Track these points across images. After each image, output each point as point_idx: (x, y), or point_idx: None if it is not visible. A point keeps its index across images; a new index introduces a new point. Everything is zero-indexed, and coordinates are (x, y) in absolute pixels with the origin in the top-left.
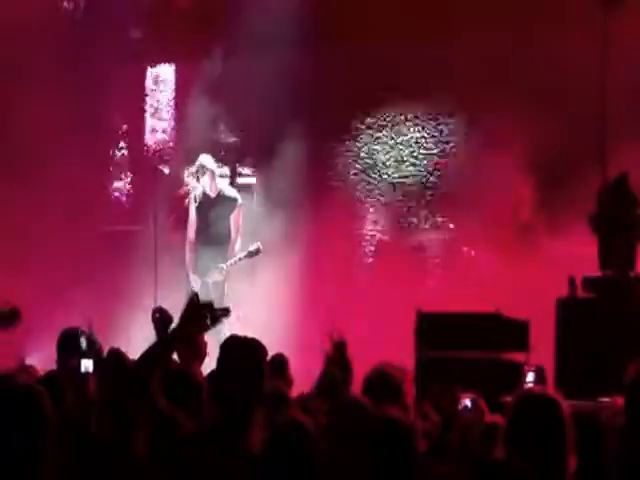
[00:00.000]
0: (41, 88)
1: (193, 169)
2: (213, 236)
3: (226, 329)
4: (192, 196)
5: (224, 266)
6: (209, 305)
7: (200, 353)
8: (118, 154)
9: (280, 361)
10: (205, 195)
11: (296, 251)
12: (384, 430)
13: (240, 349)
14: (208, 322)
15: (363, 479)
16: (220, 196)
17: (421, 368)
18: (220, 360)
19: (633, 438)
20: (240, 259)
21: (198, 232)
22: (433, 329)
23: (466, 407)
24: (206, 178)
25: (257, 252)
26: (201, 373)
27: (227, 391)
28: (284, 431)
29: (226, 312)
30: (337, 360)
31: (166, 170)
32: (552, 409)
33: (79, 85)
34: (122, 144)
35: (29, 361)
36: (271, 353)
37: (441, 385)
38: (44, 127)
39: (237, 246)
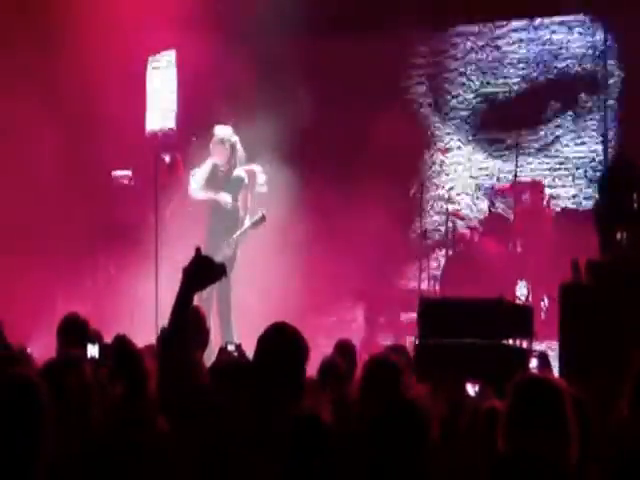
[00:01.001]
0: (39, 80)
1: (216, 140)
2: (223, 216)
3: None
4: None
5: (232, 240)
6: (209, 260)
7: (203, 341)
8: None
9: None
10: (213, 175)
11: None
12: (401, 413)
13: (284, 337)
14: (209, 280)
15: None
16: (228, 178)
17: (423, 355)
18: (260, 349)
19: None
20: (245, 230)
21: (208, 212)
22: (435, 315)
23: (471, 394)
24: (227, 150)
25: (261, 220)
26: (204, 364)
27: (265, 380)
28: (303, 425)
29: (222, 270)
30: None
31: (167, 158)
32: (552, 394)
33: (75, 75)
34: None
35: (30, 349)
36: None
37: (445, 372)
38: (42, 119)
39: (246, 224)
